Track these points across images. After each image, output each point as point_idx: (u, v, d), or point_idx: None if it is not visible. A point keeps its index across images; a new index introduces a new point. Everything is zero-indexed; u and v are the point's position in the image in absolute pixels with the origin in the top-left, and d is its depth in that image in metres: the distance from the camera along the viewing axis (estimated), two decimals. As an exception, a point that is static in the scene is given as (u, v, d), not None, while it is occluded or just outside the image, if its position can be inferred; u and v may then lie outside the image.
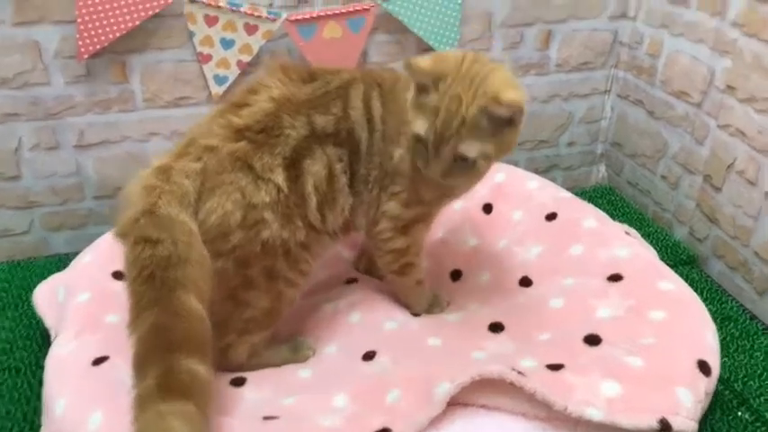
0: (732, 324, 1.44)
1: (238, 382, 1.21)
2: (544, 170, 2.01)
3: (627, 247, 1.40)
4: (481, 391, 1.05)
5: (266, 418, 1.06)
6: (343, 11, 1.61)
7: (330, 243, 1.24)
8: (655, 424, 1.01)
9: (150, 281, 0.99)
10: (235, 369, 1.23)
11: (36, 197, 1.67)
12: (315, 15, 1.60)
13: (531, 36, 1.82)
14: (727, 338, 1.40)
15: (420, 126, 1.10)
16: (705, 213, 1.67)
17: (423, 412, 1.01)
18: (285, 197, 1.12)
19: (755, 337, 1.41)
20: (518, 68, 1.85)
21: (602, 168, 2.08)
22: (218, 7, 1.55)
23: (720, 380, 1.27)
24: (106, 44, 1.50)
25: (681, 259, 1.68)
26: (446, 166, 1.11)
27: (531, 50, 1.84)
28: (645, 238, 1.71)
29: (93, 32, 1.48)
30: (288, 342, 1.31)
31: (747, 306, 1.55)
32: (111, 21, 1.48)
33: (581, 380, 1.07)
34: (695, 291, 1.54)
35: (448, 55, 1.13)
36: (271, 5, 1.60)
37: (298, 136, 1.14)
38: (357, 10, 1.62)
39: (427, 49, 1.72)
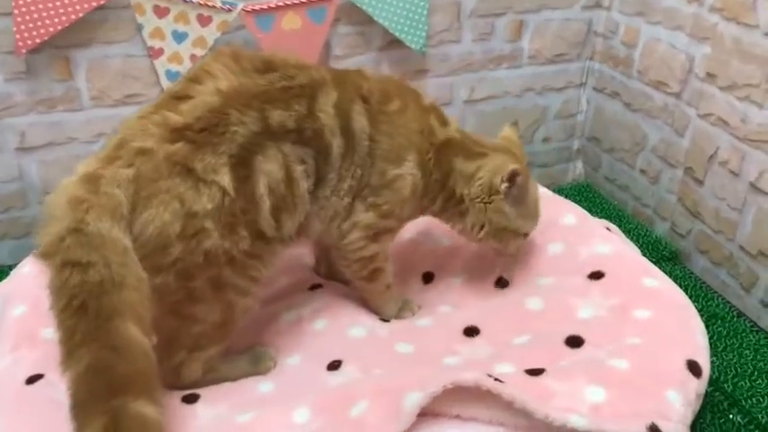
0: (719, 322, 1.37)
1: (191, 399, 1.10)
2: (519, 168, 1.93)
3: (608, 243, 1.32)
4: (455, 400, 0.96)
5: (217, 438, 0.96)
6: (303, 0, 1.52)
7: (282, 250, 1.14)
8: (644, 430, 0.93)
9: (82, 312, 0.87)
10: (189, 387, 1.13)
11: (-24, 205, 1.56)
12: (273, 5, 1.51)
13: (502, 26, 1.74)
14: (715, 337, 1.33)
15: (531, 227, 1.29)
16: (687, 207, 1.60)
17: (391, 426, 0.91)
18: (231, 201, 1.01)
19: (744, 335, 1.34)
20: (489, 62, 1.78)
21: (579, 165, 2.01)
22: (169, -3, 1.45)
23: (710, 381, 1.19)
24: (47, 38, 1.40)
25: (663, 255, 1.61)
26: None
27: (502, 42, 1.76)
28: (626, 234, 1.64)
29: (31, 25, 1.37)
30: (247, 353, 1.21)
31: (734, 302, 1.48)
32: (52, 12, 1.38)
33: (563, 385, 0.98)
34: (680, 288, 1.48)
35: (511, 145, 1.32)
36: (226, -5, 1.51)
37: (246, 132, 1.03)
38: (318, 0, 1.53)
39: (393, 40, 1.64)
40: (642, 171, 1.75)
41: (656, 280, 1.21)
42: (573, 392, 0.97)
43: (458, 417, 0.97)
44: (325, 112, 1.11)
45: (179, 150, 0.98)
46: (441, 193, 1.25)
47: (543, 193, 1.52)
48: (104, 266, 0.89)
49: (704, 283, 1.54)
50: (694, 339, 1.09)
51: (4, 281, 1.34)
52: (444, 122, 1.25)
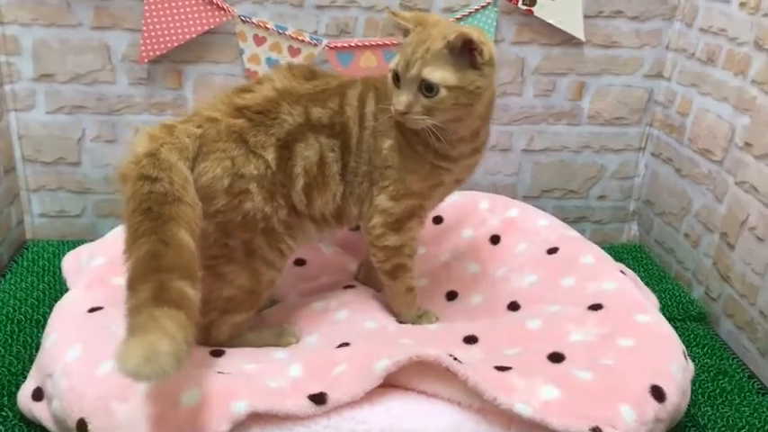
0: (726, 379, 1.42)
1: (217, 354, 1.29)
2: (573, 221, 2.02)
3: (615, 281, 1.41)
4: (421, 377, 1.09)
5: (220, 372, 1.13)
6: (379, 42, 1.75)
7: (313, 229, 1.33)
8: (586, 431, 1.02)
9: (147, 213, 1.07)
10: (216, 345, 1.31)
11: (91, 184, 1.86)
12: (353, 44, 1.74)
13: (564, 86, 1.89)
14: (717, 391, 1.38)
15: (394, 62, 1.23)
16: (720, 272, 1.65)
17: (361, 384, 1.06)
18: (272, 174, 1.23)
19: (748, 393, 1.38)
20: (549, 116, 1.92)
21: (635, 227, 2.08)
22: (267, 29, 1.72)
23: (698, 427, 1.26)
24: (165, 52, 1.69)
25: (690, 315, 1.66)
26: (412, 95, 1.19)
27: (562, 99, 1.90)
28: (662, 294, 1.70)
29: (154, 40, 1.68)
30: (274, 328, 1.39)
31: (750, 367, 1.50)
32: (172, 31, 1.68)
33: (523, 382, 1.08)
34: (697, 345, 1.53)
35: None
36: (315, 32, 1.75)
37: (293, 122, 1.26)
38: (393, 43, 1.75)
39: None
40: (686, 235, 1.81)
41: (648, 316, 1.29)
42: (529, 388, 1.07)
43: (424, 393, 1.10)
44: (351, 105, 1.32)
45: (239, 124, 1.22)
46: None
47: (572, 235, 1.63)
48: (169, 183, 1.10)
49: (725, 343, 1.57)
50: (665, 367, 1.15)
51: (94, 242, 1.61)
52: None
